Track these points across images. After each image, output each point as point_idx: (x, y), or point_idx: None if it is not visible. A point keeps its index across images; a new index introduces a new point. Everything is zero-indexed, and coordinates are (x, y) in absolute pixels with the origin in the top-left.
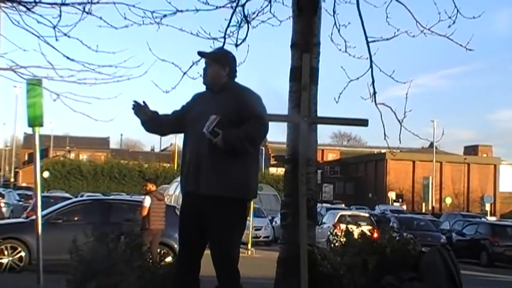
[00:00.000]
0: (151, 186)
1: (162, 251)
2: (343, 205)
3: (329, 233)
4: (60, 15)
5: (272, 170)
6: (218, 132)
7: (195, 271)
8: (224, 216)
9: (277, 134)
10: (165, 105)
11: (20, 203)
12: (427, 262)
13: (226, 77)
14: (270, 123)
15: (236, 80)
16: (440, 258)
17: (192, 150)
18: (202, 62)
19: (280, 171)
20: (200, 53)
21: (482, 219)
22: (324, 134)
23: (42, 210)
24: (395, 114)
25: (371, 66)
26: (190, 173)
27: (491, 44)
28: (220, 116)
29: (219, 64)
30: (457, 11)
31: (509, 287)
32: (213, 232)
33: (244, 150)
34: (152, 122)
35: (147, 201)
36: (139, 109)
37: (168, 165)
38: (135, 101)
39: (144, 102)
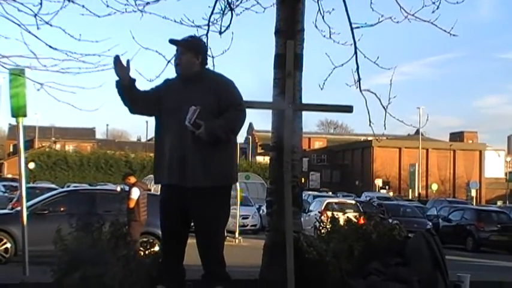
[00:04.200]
0: (133, 179)
1: (149, 240)
2: (330, 193)
3: (315, 220)
4: (41, 3)
5: (259, 158)
6: (200, 123)
7: (180, 260)
8: (210, 205)
9: (262, 122)
10: None
11: (6, 194)
12: (412, 247)
13: (199, 65)
14: (256, 111)
15: (211, 67)
16: (425, 243)
17: (174, 142)
18: None
19: (268, 159)
20: (172, 41)
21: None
22: (311, 122)
23: (28, 201)
24: (380, 100)
25: (355, 53)
26: (173, 165)
27: (476, 30)
28: (201, 106)
29: (193, 52)
30: None
31: (494, 272)
32: (200, 221)
33: (227, 139)
34: (130, 89)
35: (136, 193)
36: (120, 65)
37: None
38: (116, 55)
39: (128, 61)
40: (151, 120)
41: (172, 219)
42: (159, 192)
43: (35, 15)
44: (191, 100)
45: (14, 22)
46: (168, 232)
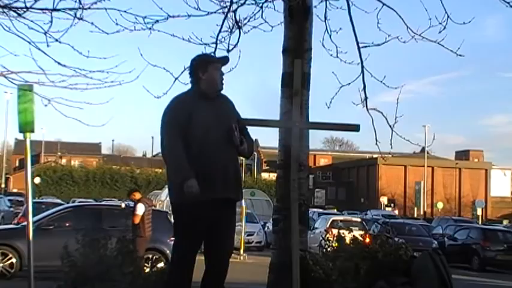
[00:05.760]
0: (138, 195)
1: (154, 257)
2: (335, 210)
3: (321, 238)
4: (51, 21)
5: (264, 175)
6: (243, 139)
7: (191, 277)
8: (234, 218)
9: (269, 139)
10: (156, 110)
11: (11, 209)
12: (419, 267)
13: None
14: (262, 128)
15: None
16: (432, 263)
17: (215, 158)
18: None
19: (273, 176)
20: (227, 59)
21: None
22: (316, 139)
23: (34, 216)
24: (386, 119)
25: (362, 72)
26: (216, 180)
27: (482, 50)
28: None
29: None
30: (448, 16)
31: None
32: (228, 233)
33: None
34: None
35: (141, 209)
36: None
37: (160, 170)
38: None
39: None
40: (157, 136)
41: (203, 235)
42: (164, 209)
43: (45, 33)
44: (224, 116)
45: (24, 39)
46: (195, 248)
